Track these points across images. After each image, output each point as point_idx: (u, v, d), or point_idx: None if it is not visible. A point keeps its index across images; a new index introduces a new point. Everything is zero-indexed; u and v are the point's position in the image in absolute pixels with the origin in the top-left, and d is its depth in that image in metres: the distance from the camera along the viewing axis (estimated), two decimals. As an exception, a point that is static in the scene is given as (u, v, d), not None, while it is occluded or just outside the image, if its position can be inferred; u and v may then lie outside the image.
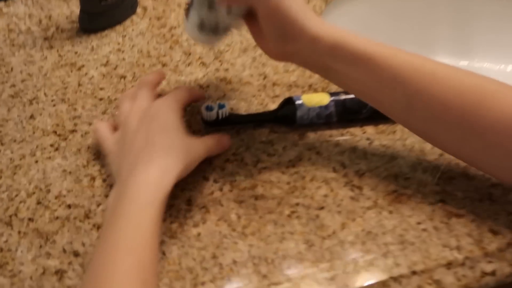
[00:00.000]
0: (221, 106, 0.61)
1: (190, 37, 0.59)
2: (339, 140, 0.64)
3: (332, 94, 0.64)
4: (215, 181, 0.58)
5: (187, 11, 0.58)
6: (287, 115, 0.63)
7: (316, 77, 0.71)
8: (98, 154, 0.62)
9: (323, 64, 0.53)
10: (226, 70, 0.73)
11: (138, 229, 0.45)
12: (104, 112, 0.65)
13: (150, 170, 0.50)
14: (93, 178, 0.58)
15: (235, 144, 0.62)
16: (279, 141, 0.63)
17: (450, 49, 0.92)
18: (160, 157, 0.51)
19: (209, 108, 0.61)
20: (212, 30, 0.57)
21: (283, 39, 0.52)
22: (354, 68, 0.51)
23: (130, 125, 0.55)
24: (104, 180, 0.58)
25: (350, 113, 0.64)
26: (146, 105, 0.56)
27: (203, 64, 0.72)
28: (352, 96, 0.64)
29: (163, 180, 0.50)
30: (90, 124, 0.65)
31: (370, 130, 0.63)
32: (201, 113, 0.62)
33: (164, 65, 0.73)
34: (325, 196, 0.57)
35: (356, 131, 0.63)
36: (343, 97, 0.64)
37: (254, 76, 0.72)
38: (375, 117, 0.62)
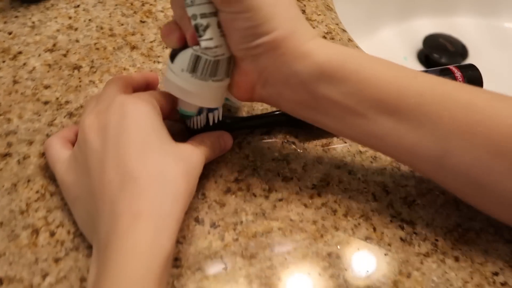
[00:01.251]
0: (211, 108, 0.43)
1: (176, 89, 0.40)
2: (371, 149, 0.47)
3: None
4: (213, 225, 0.41)
5: (173, 53, 0.39)
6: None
7: None
8: (46, 188, 0.43)
9: (307, 94, 0.38)
10: (218, 52, 0.53)
11: None
12: (51, 123, 0.46)
13: (138, 228, 0.33)
14: (35, 231, 0.41)
15: (237, 164, 0.45)
16: (297, 157, 0.47)
17: (473, 7, 0.82)
18: (149, 200, 0.34)
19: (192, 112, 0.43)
20: (211, 70, 0.38)
21: (251, 39, 0.36)
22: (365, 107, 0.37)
23: (89, 144, 0.38)
24: (52, 234, 0.40)
25: None
26: (110, 108, 0.38)
27: None
28: None
29: (160, 239, 0.34)
30: (30, 143, 0.46)
31: None
32: (185, 121, 0.44)
33: (133, 47, 0.54)
34: (367, 239, 0.41)
35: None
36: None
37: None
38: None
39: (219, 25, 0.36)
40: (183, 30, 0.37)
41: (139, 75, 0.45)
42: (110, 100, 0.39)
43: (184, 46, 0.38)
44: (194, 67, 0.38)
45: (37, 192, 0.42)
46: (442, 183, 0.39)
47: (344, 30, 0.59)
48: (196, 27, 0.36)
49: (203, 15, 0.36)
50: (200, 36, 0.36)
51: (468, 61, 0.81)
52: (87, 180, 0.37)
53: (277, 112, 0.47)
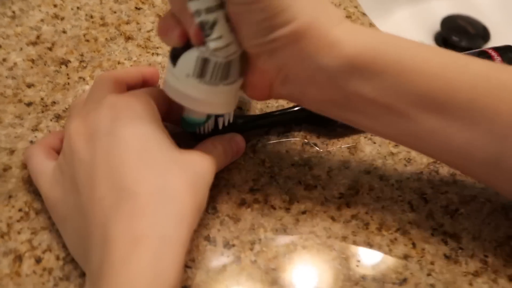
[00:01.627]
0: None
1: (181, 97, 0.33)
2: (406, 148, 0.42)
3: None
4: (227, 245, 0.35)
5: (174, 54, 0.32)
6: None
7: None
8: (31, 205, 0.37)
9: (335, 91, 0.32)
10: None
11: None
12: (35, 128, 0.40)
13: (136, 256, 0.27)
14: (18, 258, 0.34)
15: (252, 171, 0.39)
16: (320, 161, 0.41)
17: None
18: (149, 222, 0.29)
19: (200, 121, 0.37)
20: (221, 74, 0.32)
21: (266, 33, 0.29)
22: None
23: (76, 154, 0.32)
24: (38, 261, 0.34)
25: None
26: (99, 110, 0.32)
27: None
28: None
29: (163, 268, 0.28)
30: (12, 151, 0.39)
31: None
32: None
33: (128, 38, 0.47)
34: (406, 257, 0.35)
35: None
36: None
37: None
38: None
39: (227, 19, 0.30)
40: (184, 25, 0.31)
41: (134, 70, 0.39)
42: (99, 100, 0.33)
43: (187, 44, 0.31)
44: (201, 72, 0.31)
45: (20, 210, 0.36)
46: (497, 187, 0.34)
47: (364, 14, 0.53)
48: (202, 25, 0.29)
49: (209, 10, 0.29)
50: (208, 36, 0.30)
51: (490, 44, 0.75)
52: (75, 197, 0.31)
53: (296, 108, 0.41)
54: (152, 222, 0.28)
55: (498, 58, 0.44)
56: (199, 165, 0.33)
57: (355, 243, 0.36)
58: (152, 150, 0.31)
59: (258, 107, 0.43)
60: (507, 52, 0.45)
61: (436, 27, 0.75)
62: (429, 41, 0.73)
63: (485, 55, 0.44)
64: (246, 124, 0.40)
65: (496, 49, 0.45)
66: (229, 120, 0.38)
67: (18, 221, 0.36)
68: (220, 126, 0.38)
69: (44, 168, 0.35)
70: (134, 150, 0.30)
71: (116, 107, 0.32)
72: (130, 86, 0.37)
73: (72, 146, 0.32)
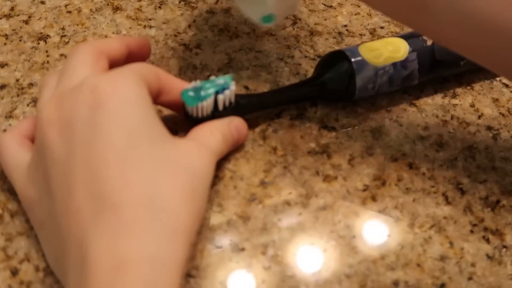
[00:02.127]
0: (221, 87, 0.32)
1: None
2: (437, 131, 0.38)
3: (408, 39, 0.37)
4: (236, 249, 0.31)
5: None
6: (338, 85, 0.37)
7: (380, 17, 0.45)
8: (5, 207, 0.32)
9: None
10: (226, 11, 0.43)
11: None
12: (9, 115, 0.37)
13: (122, 285, 0.23)
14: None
15: (262, 161, 0.35)
16: (339, 147, 0.36)
17: None
18: (137, 240, 0.24)
19: (199, 95, 0.32)
20: None
21: None
22: None
23: (48, 149, 0.27)
24: (14, 272, 0.30)
25: (442, 68, 0.39)
26: (76, 94, 0.27)
27: (186, 2, 0.45)
28: None
29: None
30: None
31: (480, 101, 0.40)
32: (183, 105, 0.33)
33: (116, 8, 0.42)
34: (443, 259, 0.31)
35: (458, 106, 0.39)
36: (429, 41, 0.38)
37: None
38: (478, 70, 0.40)
39: None
40: None
41: (118, 40, 0.33)
42: (77, 79, 0.28)
43: None
44: None
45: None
46: None
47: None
48: None
49: None
50: None
51: None
52: (49, 203, 0.27)
53: (309, 83, 0.37)
54: (140, 240, 0.24)
55: None
56: (196, 162, 0.28)
57: (383, 243, 0.32)
58: (141, 146, 0.26)
59: (267, 86, 0.39)
60: None
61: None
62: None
63: None
64: (250, 105, 0.35)
65: None
66: (230, 100, 0.33)
67: (-10, 221, 0.31)
68: (220, 107, 0.33)
69: (18, 161, 0.30)
70: (119, 147, 0.26)
71: (98, 90, 0.26)
72: (113, 60, 0.31)
73: (44, 139, 0.27)
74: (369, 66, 0.36)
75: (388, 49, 0.37)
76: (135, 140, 0.26)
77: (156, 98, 0.31)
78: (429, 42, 0.37)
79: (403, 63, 0.37)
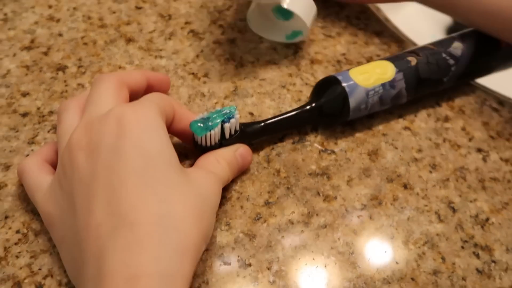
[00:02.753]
0: (226, 116, 0.34)
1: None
2: (430, 153, 0.39)
3: (394, 61, 0.39)
4: (243, 265, 0.33)
5: None
6: (334, 108, 0.38)
7: (376, 45, 0.46)
8: (29, 226, 0.35)
9: None
10: (232, 41, 0.45)
11: None
12: (32, 141, 0.38)
13: None
14: (17, 284, 0.32)
15: (266, 182, 0.36)
16: (339, 169, 0.38)
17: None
18: (150, 256, 0.26)
19: (207, 125, 0.33)
20: None
21: None
22: None
23: (76, 168, 0.29)
24: (39, 287, 0.31)
25: (427, 85, 0.41)
26: (103, 122, 0.29)
27: (194, 34, 0.47)
28: (425, 55, 0.40)
29: None
30: (7, 167, 0.37)
31: (471, 125, 0.41)
32: (193, 136, 0.35)
33: (129, 40, 0.44)
34: (436, 273, 0.33)
35: (450, 130, 0.40)
36: (413, 61, 0.39)
37: (279, 49, 0.44)
38: (460, 84, 0.43)
39: None
40: None
41: (139, 73, 0.36)
42: (102, 106, 0.30)
43: None
44: None
45: (17, 231, 0.33)
46: None
47: (378, 9, 0.50)
48: None
49: None
50: None
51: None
52: (72, 219, 0.29)
53: (307, 107, 0.38)
54: (153, 256, 0.26)
55: None
56: (205, 187, 0.30)
57: (380, 258, 0.34)
58: (158, 171, 0.28)
59: (270, 112, 0.40)
60: None
61: (449, 20, 0.72)
62: (441, 34, 0.70)
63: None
64: (253, 132, 0.37)
65: None
66: (235, 129, 0.35)
67: (16, 243, 0.33)
68: (227, 135, 0.35)
69: (40, 182, 0.32)
70: (137, 170, 0.28)
71: (123, 120, 0.29)
72: (133, 91, 0.34)
73: (73, 160, 0.29)
74: (360, 89, 0.37)
75: (377, 71, 0.38)
76: (152, 166, 0.28)
77: (169, 126, 0.33)
78: (413, 63, 0.39)
79: (391, 83, 0.38)
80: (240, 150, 0.35)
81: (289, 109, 0.39)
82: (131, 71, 0.39)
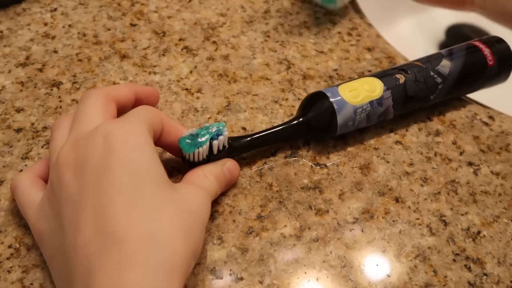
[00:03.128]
0: (215, 133, 0.34)
1: None
2: (422, 167, 0.40)
3: (382, 77, 0.40)
4: (235, 279, 0.33)
5: None
6: (321, 123, 0.39)
7: (368, 61, 0.46)
8: (21, 241, 0.35)
9: None
10: (225, 57, 0.45)
11: None
12: (25, 156, 0.38)
13: None
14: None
15: (258, 196, 0.36)
16: (331, 183, 0.39)
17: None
18: (138, 273, 0.25)
19: (196, 142, 0.33)
20: None
21: None
22: None
23: (64, 186, 0.29)
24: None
25: (414, 103, 0.41)
26: (90, 140, 0.29)
27: (187, 50, 0.47)
28: (414, 72, 0.41)
29: None
30: (0, 182, 0.37)
31: (462, 139, 0.42)
32: (181, 151, 0.34)
33: (123, 56, 0.45)
34: (427, 286, 0.33)
35: (441, 144, 0.40)
36: (401, 79, 0.40)
37: (272, 65, 0.45)
38: (445, 100, 0.43)
39: None
40: None
41: (127, 87, 0.35)
42: (89, 123, 0.30)
43: None
44: None
45: (9, 246, 0.33)
46: None
47: (370, 25, 0.50)
48: None
49: None
50: None
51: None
52: (60, 237, 0.28)
53: (294, 122, 0.38)
54: (141, 274, 0.25)
55: (486, 50, 0.42)
56: (194, 203, 0.30)
57: (372, 272, 0.34)
58: (145, 187, 0.28)
59: (263, 127, 0.41)
60: (494, 43, 0.43)
61: (441, 36, 0.73)
62: (433, 50, 0.70)
63: (473, 48, 0.43)
64: (241, 146, 0.37)
65: (483, 40, 0.44)
66: (223, 144, 0.35)
67: (8, 258, 0.33)
68: (215, 151, 0.35)
69: (32, 199, 0.32)
70: (124, 188, 0.27)
71: (110, 137, 0.28)
72: (121, 105, 0.34)
73: (60, 178, 0.29)
74: (349, 106, 0.38)
75: (365, 89, 0.38)
76: (140, 183, 0.28)
77: (157, 140, 0.33)
78: (402, 81, 0.39)
79: (379, 101, 0.39)
80: (227, 165, 0.35)
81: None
82: (119, 85, 0.39)
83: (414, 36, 0.75)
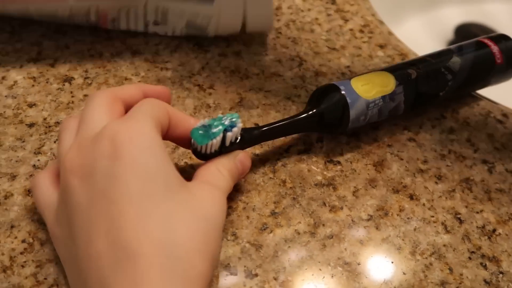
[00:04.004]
0: (229, 125, 0.33)
1: None
2: (436, 164, 0.39)
3: (394, 72, 0.39)
4: (249, 275, 0.32)
5: None
6: (334, 117, 0.38)
7: (380, 58, 0.46)
8: (35, 236, 0.34)
9: None
10: (237, 54, 0.45)
11: None
12: (38, 151, 0.38)
13: None
14: (26, 297, 0.31)
15: (272, 193, 0.36)
16: (345, 180, 0.38)
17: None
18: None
19: (209, 134, 0.32)
20: None
21: None
22: None
23: (71, 195, 0.28)
24: (47, 299, 0.31)
25: (424, 99, 0.41)
26: (96, 143, 0.28)
27: (199, 46, 0.47)
28: (425, 67, 0.40)
29: None
30: (13, 177, 0.36)
31: (476, 136, 0.41)
32: (192, 143, 0.33)
33: (135, 52, 0.45)
34: (443, 284, 0.33)
35: (455, 141, 0.40)
36: (413, 75, 0.39)
37: (284, 61, 0.45)
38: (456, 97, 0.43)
39: None
40: None
41: (134, 87, 0.34)
42: (94, 125, 0.29)
43: None
44: None
45: (23, 241, 0.33)
46: None
47: (382, 22, 0.50)
48: None
49: None
50: None
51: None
52: (72, 246, 0.27)
53: (304, 115, 0.37)
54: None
55: (495, 47, 0.42)
56: (211, 208, 0.29)
57: (387, 269, 0.33)
58: (156, 193, 0.27)
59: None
60: (501, 41, 0.43)
61: (450, 35, 0.73)
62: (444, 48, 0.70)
63: (482, 45, 0.43)
64: (253, 138, 0.36)
65: (491, 38, 0.43)
66: (236, 136, 0.34)
67: (21, 253, 0.33)
68: (228, 143, 0.34)
69: (50, 199, 0.31)
70: (135, 196, 0.26)
71: (116, 140, 0.27)
72: (128, 105, 0.32)
73: (68, 185, 0.28)
74: (362, 100, 0.37)
75: (378, 83, 0.38)
76: (150, 188, 0.27)
77: (165, 134, 0.32)
78: (414, 76, 0.39)
79: (391, 96, 0.38)
80: (239, 157, 0.34)
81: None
82: (126, 86, 0.37)
83: (423, 35, 0.75)
